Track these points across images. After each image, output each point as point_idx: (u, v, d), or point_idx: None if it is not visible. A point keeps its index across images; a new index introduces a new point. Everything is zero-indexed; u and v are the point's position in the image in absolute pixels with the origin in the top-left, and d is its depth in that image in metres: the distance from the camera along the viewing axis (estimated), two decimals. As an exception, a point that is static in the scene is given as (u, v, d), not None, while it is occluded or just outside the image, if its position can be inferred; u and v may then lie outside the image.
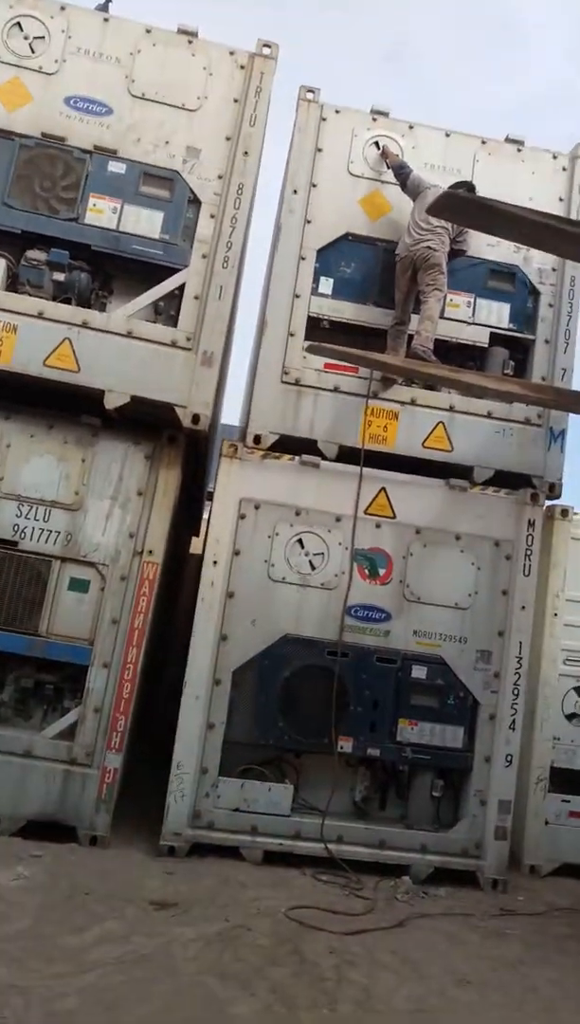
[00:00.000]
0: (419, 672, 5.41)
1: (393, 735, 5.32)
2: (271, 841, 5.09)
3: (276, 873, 4.93)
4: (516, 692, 5.44)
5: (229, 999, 3.41)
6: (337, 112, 6.04)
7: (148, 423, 5.42)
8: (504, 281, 6.00)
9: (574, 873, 5.62)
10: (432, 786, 5.43)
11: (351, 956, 3.96)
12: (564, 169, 6.17)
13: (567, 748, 5.82)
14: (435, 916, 4.66)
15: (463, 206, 4.40)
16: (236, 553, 5.36)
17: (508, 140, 6.19)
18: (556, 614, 5.86)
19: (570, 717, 5.87)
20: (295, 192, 5.87)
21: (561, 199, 6.09)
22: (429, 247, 5.61)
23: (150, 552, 5.28)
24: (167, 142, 5.62)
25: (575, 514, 6.03)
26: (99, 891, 4.29)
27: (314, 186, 5.90)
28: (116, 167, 5.55)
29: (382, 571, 5.49)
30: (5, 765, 4.93)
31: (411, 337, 5.70)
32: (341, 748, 5.23)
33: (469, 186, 5.79)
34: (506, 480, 5.76)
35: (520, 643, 5.50)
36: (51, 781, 4.95)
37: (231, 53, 5.82)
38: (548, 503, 5.85)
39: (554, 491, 5.81)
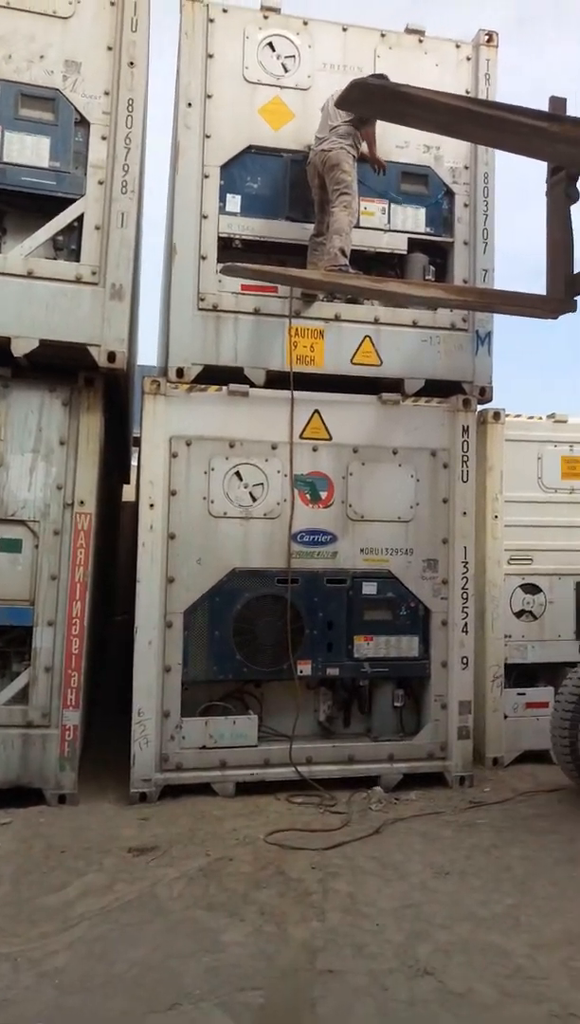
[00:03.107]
0: (369, 588, 5.42)
1: (350, 653, 5.35)
2: (241, 772, 5.11)
3: (250, 802, 4.96)
4: (465, 596, 5.51)
5: (219, 928, 3.44)
6: (224, 11, 5.59)
7: (62, 367, 5.11)
8: (417, 183, 5.77)
9: (534, 759, 5.84)
10: (393, 697, 5.51)
11: (334, 868, 4.04)
12: (468, 59, 5.91)
13: (518, 644, 5.96)
14: (409, 819, 4.79)
15: (373, 95, 4.11)
16: (172, 493, 5.18)
17: (409, 31, 5.86)
18: (496, 516, 5.89)
19: (518, 614, 6.00)
20: (190, 105, 5.47)
21: (467, 90, 5.82)
22: (323, 149, 5.33)
23: (81, 503, 5.06)
24: (42, 56, 5.12)
25: (507, 416, 6.01)
26: (75, 847, 4.24)
27: (209, 97, 5.50)
28: (-11, 88, 5.05)
29: (323, 494, 5.41)
30: (-40, 737, 4.76)
31: None
32: (300, 672, 5.23)
33: (381, 77, 5.48)
34: (437, 388, 5.68)
35: (465, 548, 5.54)
36: (9, 747, 4.81)
37: (99, -52, 5.28)
38: (480, 408, 5.82)
39: (485, 395, 5.77)
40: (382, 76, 5.43)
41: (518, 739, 5.88)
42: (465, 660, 5.47)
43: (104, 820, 4.67)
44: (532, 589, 6.02)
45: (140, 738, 4.95)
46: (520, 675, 6.02)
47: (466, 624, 5.49)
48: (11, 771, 4.82)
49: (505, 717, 5.84)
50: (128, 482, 8.97)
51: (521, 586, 6.01)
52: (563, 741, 5.01)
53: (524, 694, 5.93)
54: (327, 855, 4.19)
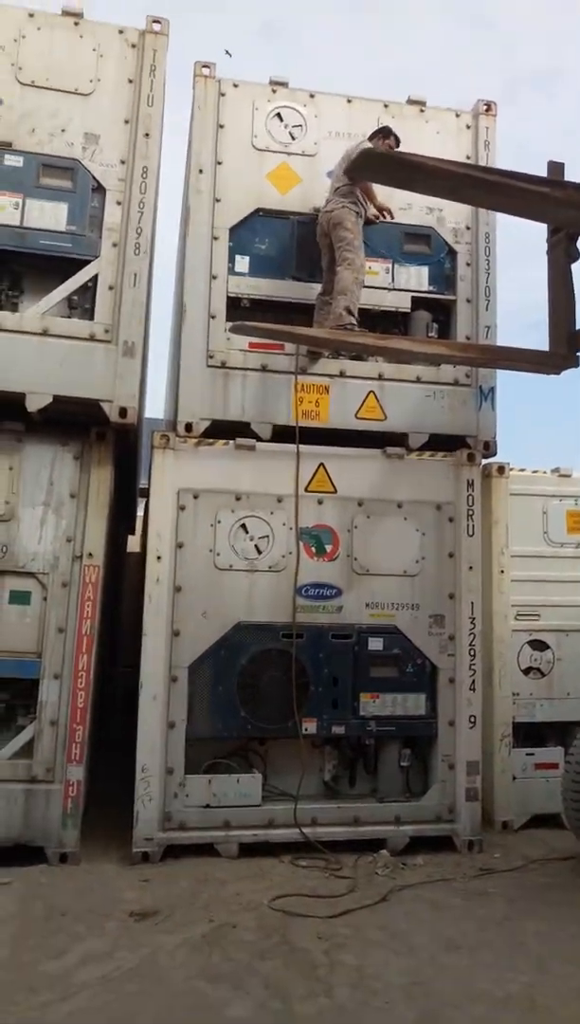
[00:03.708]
0: (375, 644, 5.33)
1: (356, 710, 5.24)
2: (245, 833, 4.96)
3: (254, 864, 4.80)
4: (472, 653, 5.42)
5: (223, 1001, 3.29)
6: (235, 86, 5.81)
7: (74, 422, 5.15)
8: (420, 244, 5.90)
9: (544, 823, 5.65)
10: (400, 756, 5.36)
11: (340, 938, 3.87)
12: (468, 127, 6.10)
13: (527, 702, 5.82)
14: (417, 885, 4.61)
15: (382, 164, 4.28)
16: (179, 546, 5.16)
17: (410, 102, 6.07)
18: (503, 571, 5.83)
19: (526, 671, 5.87)
20: (201, 171, 5.64)
21: (468, 157, 6.01)
22: (327, 210, 5.51)
23: (90, 555, 5.04)
24: (63, 130, 5.33)
25: (511, 470, 6.01)
26: (76, 909, 4.09)
27: (220, 164, 5.68)
28: (13, 160, 5.24)
29: (329, 547, 5.38)
30: (-39, 793, 4.66)
31: None
32: (306, 730, 5.12)
33: (386, 130, 5.65)
34: (441, 443, 5.69)
35: (471, 603, 5.47)
36: (12, 803, 4.69)
37: (120, 32, 5.55)
38: (484, 462, 5.82)
39: (489, 449, 5.77)
40: (387, 129, 5.63)
41: (528, 802, 5.69)
42: (472, 719, 5.35)
43: (106, 881, 4.53)
44: (540, 645, 5.91)
45: (143, 795, 4.83)
46: (528, 734, 5.86)
47: (474, 681, 5.38)
48: (13, 828, 4.69)
49: (514, 779, 5.67)
50: (133, 532, 8.96)
51: (528, 642, 5.89)
52: (575, 805, 4.84)
53: (533, 754, 5.76)
54: (333, 923, 4.03)
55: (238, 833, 4.95)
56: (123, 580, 8.46)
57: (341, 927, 4.00)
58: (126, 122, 5.44)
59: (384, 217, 5.76)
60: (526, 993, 3.44)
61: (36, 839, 4.72)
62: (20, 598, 4.98)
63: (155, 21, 5.59)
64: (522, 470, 6.12)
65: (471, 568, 5.51)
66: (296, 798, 5.02)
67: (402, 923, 4.08)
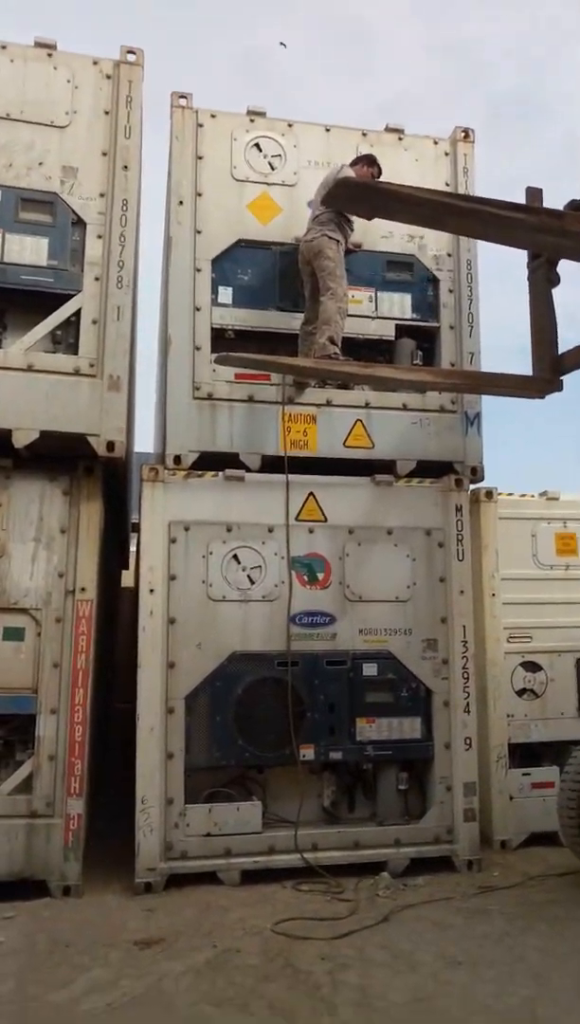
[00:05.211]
0: (370, 669, 5.72)
1: (353, 736, 5.61)
2: (246, 860, 5.32)
3: (256, 891, 5.15)
4: (466, 676, 5.81)
5: (229, 1024, 3.60)
6: (213, 116, 6.22)
7: (62, 457, 5.50)
8: (402, 271, 6.33)
9: (542, 841, 6.03)
10: (397, 780, 5.74)
11: (343, 959, 4.20)
12: (447, 154, 6.55)
13: (521, 723, 6.22)
14: (417, 905, 4.97)
15: (358, 193, 4.66)
16: (172, 578, 5.53)
17: (388, 130, 6.51)
18: (494, 594, 6.24)
19: (520, 693, 6.28)
20: (181, 203, 6.04)
21: (447, 183, 6.45)
22: (308, 240, 5.88)
23: (83, 590, 5.39)
24: (41, 163, 5.67)
25: (499, 494, 6.42)
26: (79, 942, 4.40)
27: (200, 195, 6.07)
28: (-9, 194, 5.56)
29: (321, 575, 5.77)
30: (-38, 830, 4.97)
31: None
32: (303, 757, 5.48)
33: (370, 158, 6.06)
34: (429, 469, 6.09)
35: (463, 627, 5.87)
36: (13, 838, 5.03)
37: (95, 63, 5.91)
38: (472, 487, 6.23)
39: (476, 474, 6.19)
40: (371, 157, 6.04)
41: (525, 821, 6.08)
42: (468, 741, 5.75)
43: (109, 912, 4.86)
44: (533, 667, 6.32)
45: (144, 826, 5.18)
46: (524, 755, 6.26)
47: (468, 704, 5.78)
48: (15, 863, 5.03)
49: (511, 798, 6.06)
50: (127, 567, 9.30)
51: (521, 664, 6.30)
52: (571, 822, 5.22)
53: (529, 774, 6.15)
54: (336, 945, 4.37)
55: (240, 861, 5.30)
56: (118, 615, 8.80)
57: (344, 948, 4.34)
58: (104, 154, 5.79)
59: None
60: (527, 1006, 3.76)
61: (38, 873, 5.05)
62: (13, 634, 5.33)
63: (129, 51, 5.95)
64: (510, 494, 6.55)
65: (462, 592, 5.92)
66: (296, 824, 5.38)
67: (403, 942, 4.42)
